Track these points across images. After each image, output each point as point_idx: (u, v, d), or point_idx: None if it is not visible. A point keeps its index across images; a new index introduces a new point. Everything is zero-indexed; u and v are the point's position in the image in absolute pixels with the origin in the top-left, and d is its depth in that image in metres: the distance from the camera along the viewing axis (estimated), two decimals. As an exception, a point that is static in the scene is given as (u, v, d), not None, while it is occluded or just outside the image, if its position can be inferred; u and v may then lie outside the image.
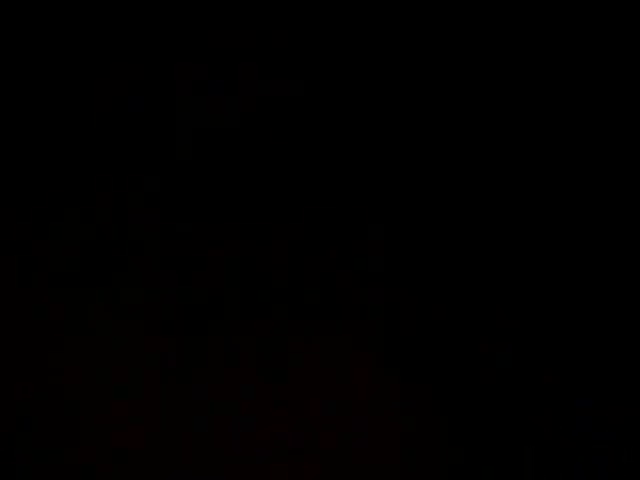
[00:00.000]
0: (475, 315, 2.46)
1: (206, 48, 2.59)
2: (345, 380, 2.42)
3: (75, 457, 2.35)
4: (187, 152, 2.55)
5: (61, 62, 2.57)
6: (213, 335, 2.43)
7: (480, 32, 2.58)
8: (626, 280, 2.49)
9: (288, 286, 2.47)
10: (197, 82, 2.58)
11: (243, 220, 2.52)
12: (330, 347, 2.43)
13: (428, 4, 2.59)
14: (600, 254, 2.51)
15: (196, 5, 2.60)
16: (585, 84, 2.57)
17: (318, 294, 2.46)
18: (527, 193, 2.54)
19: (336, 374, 2.42)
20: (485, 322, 2.45)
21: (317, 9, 2.59)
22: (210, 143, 2.56)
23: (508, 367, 2.42)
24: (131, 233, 2.49)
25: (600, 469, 2.34)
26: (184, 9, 2.59)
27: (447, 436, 2.38)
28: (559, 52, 2.58)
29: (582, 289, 2.49)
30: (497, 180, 2.55)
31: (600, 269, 2.50)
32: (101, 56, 2.57)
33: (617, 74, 2.57)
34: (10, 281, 2.44)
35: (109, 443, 2.36)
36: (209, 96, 2.57)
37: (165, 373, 2.40)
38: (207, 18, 2.60)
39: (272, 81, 2.58)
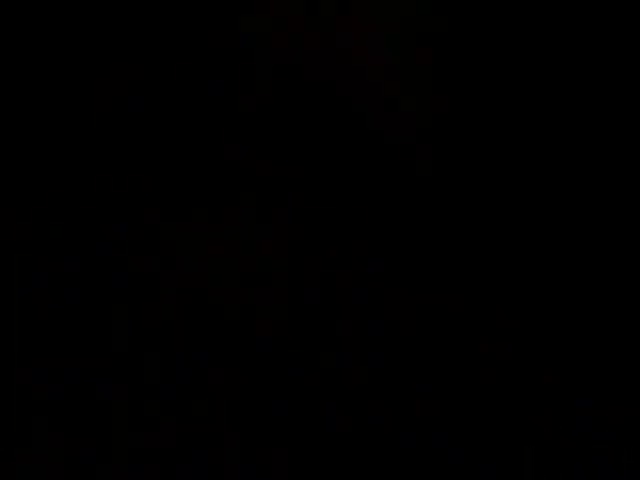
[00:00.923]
0: (475, 315, 2.46)
1: (206, 48, 2.59)
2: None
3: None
4: (187, 152, 2.55)
5: (61, 62, 2.57)
6: (212, 337, 2.43)
7: (477, 32, 2.58)
8: (626, 280, 2.49)
9: (288, 286, 2.47)
10: (197, 82, 2.58)
11: (243, 220, 2.52)
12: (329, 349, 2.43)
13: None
14: (600, 254, 2.51)
15: (196, 5, 2.60)
16: (584, 84, 2.58)
17: (318, 294, 2.46)
18: (527, 193, 2.54)
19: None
20: (485, 322, 2.45)
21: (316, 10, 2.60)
22: (210, 143, 2.56)
23: (508, 367, 2.42)
24: (131, 233, 2.49)
25: (600, 469, 2.34)
26: (184, 9, 2.59)
27: (446, 434, 2.38)
28: (558, 52, 2.58)
29: (582, 289, 2.49)
30: (497, 181, 2.55)
31: (600, 269, 2.50)
32: (101, 56, 2.57)
33: (618, 74, 2.58)
34: (10, 281, 2.44)
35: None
36: (209, 96, 2.57)
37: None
38: (207, 18, 2.60)
39: (271, 79, 2.58)
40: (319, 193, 2.54)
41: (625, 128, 2.56)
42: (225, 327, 2.43)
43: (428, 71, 2.58)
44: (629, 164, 2.54)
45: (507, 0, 2.57)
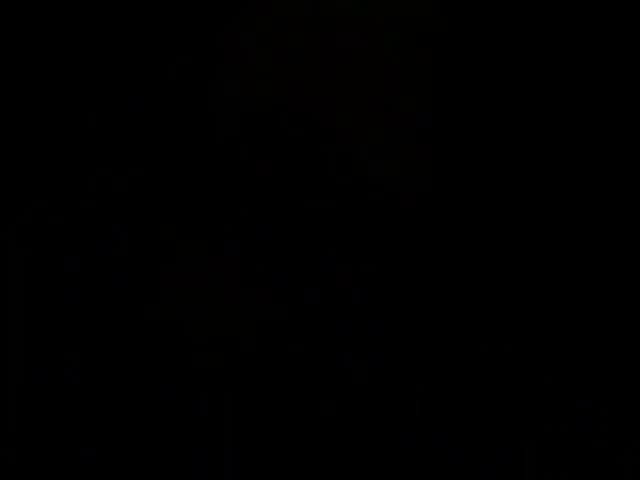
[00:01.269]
0: (475, 315, 2.46)
1: (206, 48, 2.59)
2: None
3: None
4: (187, 152, 2.55)
5: (61, 62, 2.57)
6: (212, 337, 2.43)
7: (475, 35, 2.58)
8: (626, 280, 2.49)
9: (288, 286, 2.47)
10: (197, 82, 2.58)
11: (243, 220, 2.52)
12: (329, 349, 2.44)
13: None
14: (600, 254, 2.51)
15: (196, 5, 2.60)
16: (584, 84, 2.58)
17: (318, 294, 2.46)
18: (527, 192, 2.54)
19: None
20: (485, 322, 2.45)
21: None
22: (209, 143, 2.56)
23: (508, 367, 2.42)
24: (131, 233, 2.49)
25: (600, 469, 2.34)
26: (184, 9, 2.59)
27: (446, 434, 2.38)
28: (558, 52, 2.59)
29: (582, 289, 2.49)
30: (497, 180, 2.55)
31: (600, 269, 2.50)
32: (101, 56, 2.57)
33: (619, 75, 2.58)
34: (9, 282, 2.44)
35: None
36: (209, 96, 2.57)
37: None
38: (207, 18, 2.60)
39: (269, 81, 2.58)
40: (319, 193, 2.55)
41: (625, 135, 2.56)
42: (225, 327, 2.44)
43: (428, 71, 2.58)
44: (628, 168, 2.55)
45: (507, 0, 2.57)
